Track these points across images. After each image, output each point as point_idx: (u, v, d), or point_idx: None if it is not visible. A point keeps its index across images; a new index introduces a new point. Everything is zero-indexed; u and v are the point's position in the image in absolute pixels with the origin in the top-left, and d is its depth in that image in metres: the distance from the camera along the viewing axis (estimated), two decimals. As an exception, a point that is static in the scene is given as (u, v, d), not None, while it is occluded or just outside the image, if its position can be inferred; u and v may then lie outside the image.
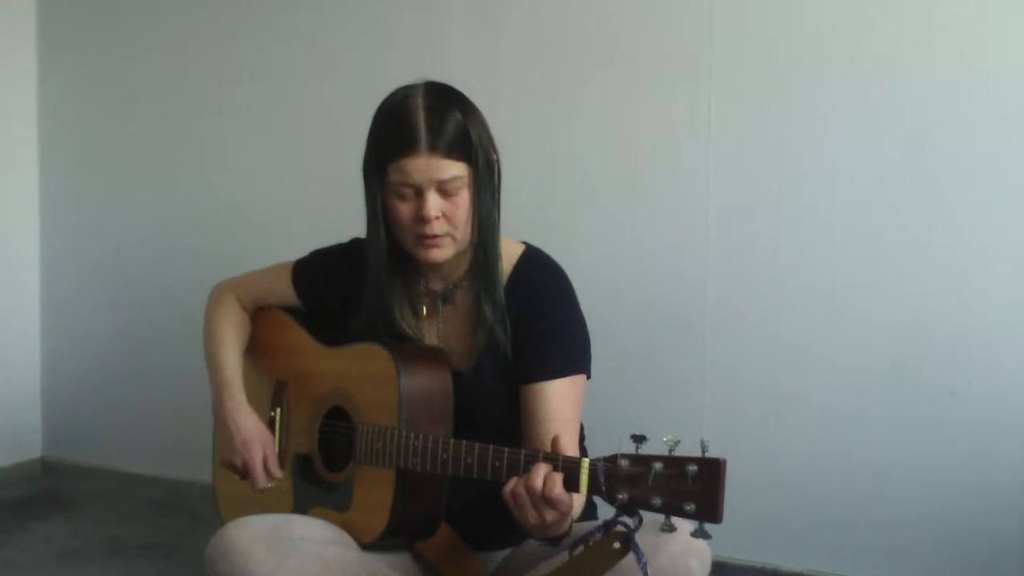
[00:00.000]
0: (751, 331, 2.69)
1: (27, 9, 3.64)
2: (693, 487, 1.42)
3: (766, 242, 2.66)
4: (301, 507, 2.02)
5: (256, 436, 2.03)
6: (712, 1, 2.68)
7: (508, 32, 2.93)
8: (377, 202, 1.89)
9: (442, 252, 1.89)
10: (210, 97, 3.39)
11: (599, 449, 1.82)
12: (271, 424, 2.11)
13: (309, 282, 2.13)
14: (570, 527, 1.69)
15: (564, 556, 1.64)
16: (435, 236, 1.86)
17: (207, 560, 1.80)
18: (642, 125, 2.77)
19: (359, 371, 1.96)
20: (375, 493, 1.87)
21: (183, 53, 3.42)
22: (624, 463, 1.48)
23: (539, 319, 1.92)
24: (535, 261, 1.99)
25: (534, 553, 1.87)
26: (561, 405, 1.88)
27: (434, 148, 1.82)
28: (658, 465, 1.45)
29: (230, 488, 2.17)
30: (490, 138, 1.93)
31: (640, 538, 1.53)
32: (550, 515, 1.59)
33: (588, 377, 1.96)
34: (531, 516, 1.60)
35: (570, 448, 1.76)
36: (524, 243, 2.02)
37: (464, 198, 1.86)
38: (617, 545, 1.51)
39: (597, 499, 1.81)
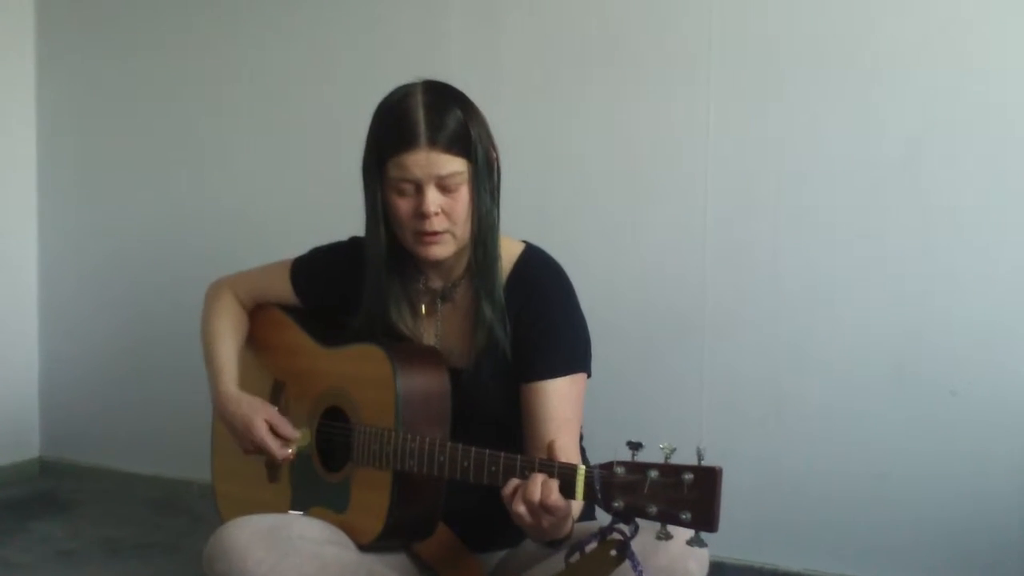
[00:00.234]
0: (750, 332, 2.69)
1: (26, 9, 3.64)
2: (689, 495, 1.41)
3: (765, 242, 2.66)
4: (299, 507, 2.02)
5: (252, 412, 2.02)
6: (711, 1, 2.68)
7: (508, 32, 2.92)
8: (377, 199, 1.89)
9: (442, 249, 1.89)
10: (209, 97, 3.39)
11: (597, 451, 1.82)
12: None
13: (308, 280, 2.13)
14: (571, 530, 1.69)
15: (560, 562, 1.63)
16: (435, 232, 1.86)
17: (205, 560, 1.80)
18: (641, 125, 2.77)
19: (357, 372, 1.96)
20: (372, 495, 1.87)
21: (182, 53, 3.42)
22: (620, 471, 1.48)
23: (539, 318, 1.92)
24: (535, 260, 1.99)
25: (531, 554, 1.87)
26: (562, 404, 1.88)
27: (434, 143, 1.82)
28: (654, 473, 1.44)
29: (229, 487, 2.18)
30: (490, 136, 1.93)
31: (638, 539, 1.53)
32: (547, 520, 1.59)
33: (588, 376, 1.96)
34: (529, 522, 1.60)
35: (569, 450, 1.76)
36: (524, 242, 2.02)
37: (464, 194, 1.86)
38: (613, 553, 1.50)
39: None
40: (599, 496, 1.50)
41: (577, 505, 1.72)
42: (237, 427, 2.03)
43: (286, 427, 2.00)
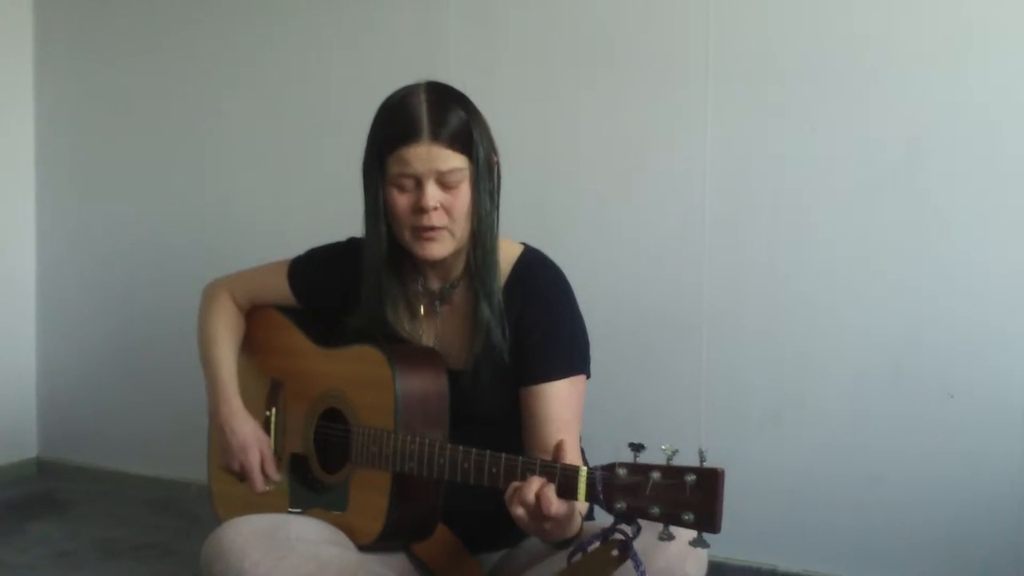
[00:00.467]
0: (749, 334, 2.69)
1: (24, 11, 3.63)
2: (691, 497, 1.41)
3: (763, 244, 2.66)
4: (297, 507, 2.01)
5: (253, 440, 2.03)
6: (709, 3, 2.68)
7: (505, 34, 2.92)
8: (377, 196, 1.89)
9: (440, 248, 1.88)
10: (207, 98, 3.39)
11: (596, 453, 1.83)
12: (266, 424, 2.11)
13: (306, 281, 2.13)
14: (580, 529, 1.69)
15: (561, 561, 1.64)
16: (433, 229, 1.85)
17: (203, 561, 1.80)
18: (639, 126, 2.78)
19: (355, 373, 1.96)
20: (371, 496, 1.87)
21: (180, 54, 3.42)
22: (622, 472, 1.48)
23: (539, 320, 1.92)
24: (534, 261, 1.99)
25: (531, 553, 1.87)
26: (562, 406, 1.89)
27: (436, 137, 1.82)
28: (656, 475, 1.44)
29: (226, 488, 2.17)
30: (491, 140, 1.93)
31: (637, 541, 1.53)
32: (548, 524, 1.59)
33: (588, 377, 1.96)
34: (529, 524, 1.60)
35: (572, 452, 1.76)
36: (522, 244, 2.02)
37: (464, 192, 1.86)
38: (615, 553, 1.50)
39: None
40: (601, 498, 1.50)
41: (582, 504, 1.73)
42: (233, 445, 2.03)
43: (272, 467, 2.04)
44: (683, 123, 2.73)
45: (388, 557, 1.90)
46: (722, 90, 2.69)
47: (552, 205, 2.85)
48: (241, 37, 3.32)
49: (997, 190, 2.46)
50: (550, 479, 1.57)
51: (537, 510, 1.56)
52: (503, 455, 1.65)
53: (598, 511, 1.83)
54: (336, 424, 1.99)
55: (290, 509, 2.00)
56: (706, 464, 1.42)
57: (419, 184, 1.84)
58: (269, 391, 2.14)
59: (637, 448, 1.49)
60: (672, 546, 1.63)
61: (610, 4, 2.80)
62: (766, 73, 2.65)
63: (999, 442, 2.47)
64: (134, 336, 3.53)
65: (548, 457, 1.64)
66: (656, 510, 1.44)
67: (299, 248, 2.19)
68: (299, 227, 2.98)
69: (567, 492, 1.56)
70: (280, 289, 2.15)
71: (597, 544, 1.54)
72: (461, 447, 1.71)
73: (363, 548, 1.87)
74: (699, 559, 1.70)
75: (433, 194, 1.84)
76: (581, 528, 1.70)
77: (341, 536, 1.88)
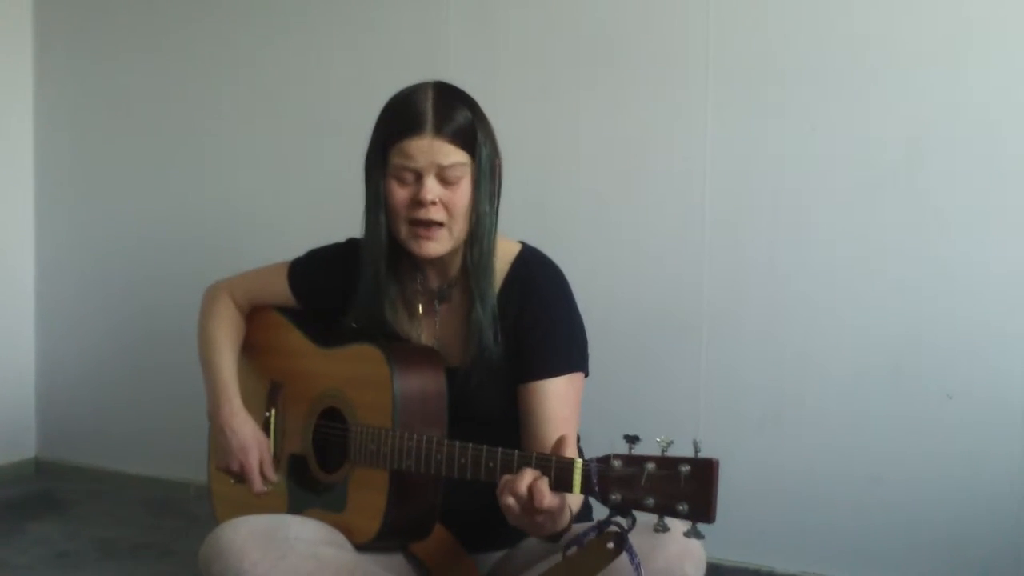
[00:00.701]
0: (748, 334, 2.69)
1: (23, 12, 3.64)
2: (686, 487, 1.41)
3: (763, 244, 2.67)
4: (296, 508, 2.01)
5: (252, 441, 2.04)
6: (709, 3, 2.68)
7: (505, 34, 2.93)
8: (379, 189, 1.89)
9: (437, 246, 1.88)
10: (207, 97, 3.39)
11: (593, 453, 1.81)
12: (265, 425, 2.11)
13: (305, 282, 2.13)
14: (569, 524, 1.69)
15: (558, 556, 1.63)
16: (430, 224, 1.85)
17: (202, 561, 1.79)
18: (639, 126, 2.78)
19: (353, 372, 1.95)
20: (369, 495, 1.86)
21: (180, 53, 3.43)
22: (617, 464, 1.48)
23: (537, 317, 1.92)
24: (532, 260, 1.99)
25: (530, 553, 1.87)
26: (560, 403, 1.88)
27: (439, 131, 1.83)
28: (651, 465, 1.44)
29: (225, 489, 2.17)
30: (495, 144, 1.93)
31: (636, 540, 1.53)
32: (539, 516, 1.59)
33: (586, 375, 1.96)
34: (518, 514, 1.59)
35: (571, 449, 1.76)
36: (521, 242, 2.02)
37: (464, 188, 1.86)
38: (611, 545, 1.51)
39: (591, 500, 1.82)
40: (596, 489, 1.50)
41: (576, 500, 1.72)
42: (233, 446, 2.03)
43: (270, 469, 2.04)
44: (683, 123, 2.73)
45: (386, 557, 1.90)
46: (722, 90, 2.69)
47: (552, 205, 2.86)
48: (241, 37, 3.32)
49: (997, 190, 2.46)
50: (545, 472, 1.57)
51: (529, 503, 1.56)
52: (499, 449, 1.65)
53: (595, 508, 1.84)
54: (335, 423, 1.98)
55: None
56: (701, 455, 1.42)
57: (419, 178, 1.84)
58: (268, 392, 2.14)
59: (632, 440, 1.49)
60: (671, 546, 1.64)
61: (610, 4, 2.80)
62: (766, 73, 2.65)
63: (998, 443, 2.47)
64: (133, 336, 3.53)
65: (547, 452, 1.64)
66: (651, 501, 1.44)
67: (299, 247, 2.19)
68: (299, 227, 3.00)
69: (562, 484, 1.56)
70: (280, 290, 2.15)
71: (593, 536, 1.54)
72: (458, 442, 1.71)
73: (361, 547, 1.87)
74: (698, 560, 1.69)
75: (432, 188, 1.84)
76: (570, 523, 1.70)
77: (340, 536, 1.88)
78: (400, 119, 1.86)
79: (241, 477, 2.04)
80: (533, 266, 1.98)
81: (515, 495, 1.57)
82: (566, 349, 1.93)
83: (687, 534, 1.43)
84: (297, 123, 3.24)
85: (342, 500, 1.92)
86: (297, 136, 3.25)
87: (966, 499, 2.49)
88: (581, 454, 1.98)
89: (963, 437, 2.49)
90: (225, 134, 3.37)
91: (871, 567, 2.58)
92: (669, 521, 1.45)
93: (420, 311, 2.00)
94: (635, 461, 1.46)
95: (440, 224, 1.86)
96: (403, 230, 1.89)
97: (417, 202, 1.84)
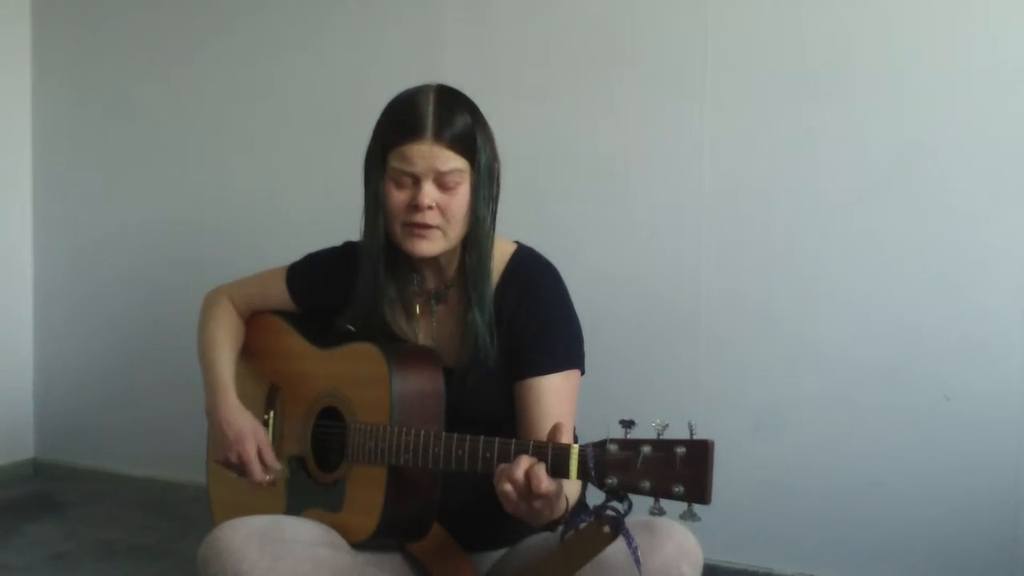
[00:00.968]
0: (745, 335, 2.70)
1: (22, 17, 3.65)
2: (682, 469, 1.41)
3: (760, 245, 2.67)
4: (294, 509, 2.01)
5: (249, 430, 2.03)
6: (707, 4, 2.70)
7: (503, 34, 2.94)
8: (378, 191, 1.90)
9: (430, 245, 1.88)
10: (206, 101, 3.40)
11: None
12: (264, 428, 2.10)
13: (304, 285, 2.14)
14: (566, 512, 1.69)
15: (555, 545, 1.64)
16: (425, 226, 1.86)
17: (199, 562, 1.78)
18: (637, 125, 2.79)
19: (352, 371, 1.96)
20: (367, 493, 1.86)
21: (178, 57, 3.43)
22: (613, 448, 1.48)
23: (533, 315, 1.92)
24: (528, 259, 2.00)
25: (530, 552, 1.87)
26: (556, 400, 1.88)
27: (439, 136, 1.83)
28: (646, 449, 1.45)
29: (223, 491, 2.17)
30: (495, 149, 1.94)
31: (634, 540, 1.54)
32: (537, 502, 1.59)
33: (582, 373, 1.96)
34: (515, 501, 1.59)
35: (567, 435, 1.76)
36: (516, 242, 2.02)
37: (461, 194, 1.86)
38: (607, 530, 1.50)
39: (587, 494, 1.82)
40: (592, 474, 1.50)
41: (572, 488, 1.73)
42: (229, 436, 2.03)
43: (270, 455, 2.03)
44: (681, 122, 2.74)
45: (384, 558, 1.90)
46: (720, 89, 2.70)
47: (551, 205, 2.86)
48: (238, 41, 3.33)
49: (995, 192, 2.47)
50: (542, 458, 1.57)
51: (527, 488, 1.56)
52: (496, 439, 1.65)
53: (590, 495, 1.84)
54: (333, 423, 1.98)
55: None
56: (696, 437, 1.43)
57: (417, 182, 1.85)
58: (267, 395, 2.14)
59: (628, 424, 1.49)
60: (668, 546, 1.64)
61: (609, 5, 2.82)
62: (764, 73, 2.66)
63: (994, 445, 2.47)
64: (131, 337, 3.53)
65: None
66: (647, 484, 1.44)
67: (298, 248, 2.19)
68: (298, 227, 3.01)
69: (559, 470, 1.56)
70: (279, 294, 2.16)
71: (589, 520, 1.54)
72: (456, 435, 1.71)
73: (359, 545, 1.87)
74: (695, 560, 1.69)
75: (429, 193, 1.84)
76: (566, 511, 1.70)
77: (337, 537, 1.87)
78: (400, 123, 1.87)
79: (240, 469, 2.03)
80: (528, 265, 1.98)
81: (512, 481, 1.57)
82: (562, 346, 1.93)
83: (683, 516, 1.43)
84: (296, 123, 3.25)
85: (339, 499, 1.91)
86: (297, 136, 3.25)
87: (963, 500, 2.49)
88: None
89: (960, 439, 2.50)
90: (225, 135, 3.38)
91: (869, 568, 2.58)
92: (667, 520, 1.45)
93: (417, 312, 2.00)
94: (631, 445, 1.47)
95: (435, 226, 1.87)
96: (398, 230, 1.89)
97: (414, 206, 1.85)
